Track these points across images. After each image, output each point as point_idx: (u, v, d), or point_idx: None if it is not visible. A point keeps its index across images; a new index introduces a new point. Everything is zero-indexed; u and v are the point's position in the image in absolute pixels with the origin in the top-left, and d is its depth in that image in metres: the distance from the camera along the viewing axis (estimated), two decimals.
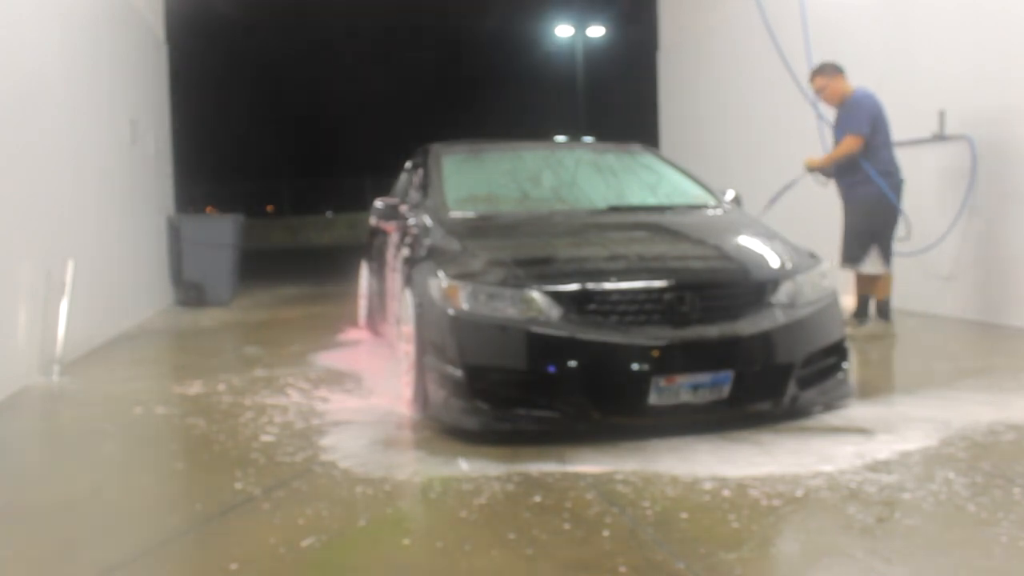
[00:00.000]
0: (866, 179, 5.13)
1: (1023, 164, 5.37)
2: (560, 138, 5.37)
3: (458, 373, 3.26)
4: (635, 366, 3.16)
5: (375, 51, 36.89)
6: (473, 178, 4.51)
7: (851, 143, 5.13)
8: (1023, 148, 5.36)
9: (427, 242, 3.93)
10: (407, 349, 3.76)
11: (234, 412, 3.83)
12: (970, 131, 5.66)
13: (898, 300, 6.43)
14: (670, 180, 4.58)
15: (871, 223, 5.21)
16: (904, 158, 6.37)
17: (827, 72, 5.28)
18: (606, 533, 2.37)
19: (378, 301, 5.38)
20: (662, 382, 3.15)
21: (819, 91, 5.32)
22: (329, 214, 23.82)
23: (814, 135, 6.90)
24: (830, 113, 5.63)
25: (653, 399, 3.17)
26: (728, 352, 3.24)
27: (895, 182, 5.18)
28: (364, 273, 6.03)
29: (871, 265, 5.24)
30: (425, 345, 3.45)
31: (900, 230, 5.34)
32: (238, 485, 2.84)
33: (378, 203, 4.71)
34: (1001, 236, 5.50)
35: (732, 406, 3.26)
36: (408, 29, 33.80)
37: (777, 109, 7.47)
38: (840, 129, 5.25)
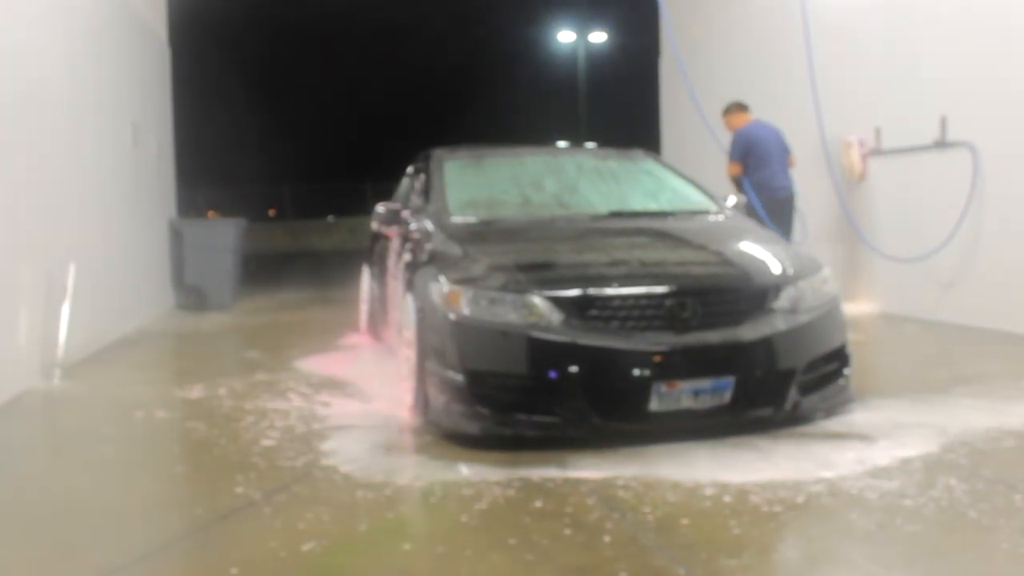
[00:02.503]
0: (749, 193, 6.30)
1: None
2: (562, 144, 5.38)
3: (459, 378, 3.26)
4: (636, 372, 3.15)
5: (377, 56, 36.96)
6: (475, 183, 4.51)
7: (729, 168, 6.59)
8: None
9: (428, 247, 3.93)
10: (408, 354, 3.75)
11: (235, 416, 3.82)
12: (972, 138, 5.66)
13: (899, 307, 6.44)
14: (672, 186, 4.58)
15: None
16: (905, 165, 6.39)
17: (729, 111, 6.78)
18: (607, 539, 2.36)
19: (379, 306, 5.38)
20: (663, 388, 3.15)
21: (726, 126, 6.80)
22: (331, 218, 23.82)
23: (815, 142, 6.92)
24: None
25: (654, 405, 3.16)
26: (730, 358, 3.24)
27: (771, 196, 6.33)
28: (365, 278, 6.03)
29: None
30: (426, 350, 3.45)
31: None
32: (239, 489, 2.83)
33: (380, 208, 4.71)
34: (1002, 243, 5.50)
35: (733, 412, 3.26)
36: (411, 34, 33.88)
37: (778, 116, 7.47)
38: (729, 156, 6.67)
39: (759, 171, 6.44)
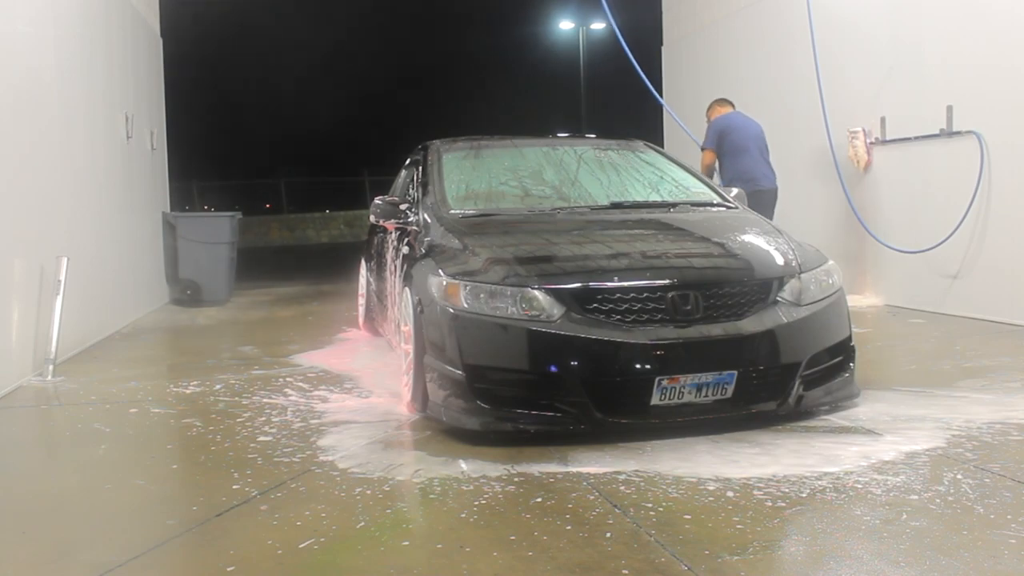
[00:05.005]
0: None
1: None
2: (562, 134, 5.33)
3: (458, 373, 3.22)
4: (638, 366, 3.12)
5: (374, 47, 36.83)
6: (473, 175, 4.47)
7: (703, 156, 6.49)
8: None
9: (427, 240, 3.89)
10: (406, 348, 3.72)
11: (231, 412, 3.79)
12: (979, 126, 5.60)
13: (904, 299, 6.41)
14: (674, 177, 4.54)
15: None
16: (911, 155, 6.34)
17: (710, 106, 6.73)
18: (608, 535, 2.33)
19: (377, 300, 5.34)
20: (665, 382, 3.12)
21: (708, 120, 6.66)
22: (328, 212, 23.75)
23: (819, 132, 6.87)
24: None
25: (656, 399, 3.13)
26: (732, 351, 3.20)
27: (751, 188, 6.04)
28: (363, 272, 6.00)
29: None
30: (425, 344, 3.41)
31: None
32: (235, 486, 2.80)
33: (378, 201, 4.66)
34: (1009, 233, 5.45)
35: (736, 406, 3.23)
36: (408, 25, 33.77)
37: (781, 104, 7.43)
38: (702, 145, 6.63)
39: (736, 161, 6.25)
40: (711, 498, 2.57)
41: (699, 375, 3.14)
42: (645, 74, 7.58)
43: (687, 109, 8.55)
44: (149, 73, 8.18)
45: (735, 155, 6.28)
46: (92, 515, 2.68)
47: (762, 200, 6.20)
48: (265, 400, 4.00)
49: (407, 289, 3.77)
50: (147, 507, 2.77)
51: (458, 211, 4.04)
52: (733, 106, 6.66)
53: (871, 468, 2.80)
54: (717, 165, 6.44)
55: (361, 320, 6.07)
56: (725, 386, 3.18)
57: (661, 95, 10.28)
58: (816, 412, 3.44)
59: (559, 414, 3.15)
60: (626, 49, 7.26)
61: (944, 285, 5.96)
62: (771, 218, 6.14)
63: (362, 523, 2.48)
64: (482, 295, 3.26)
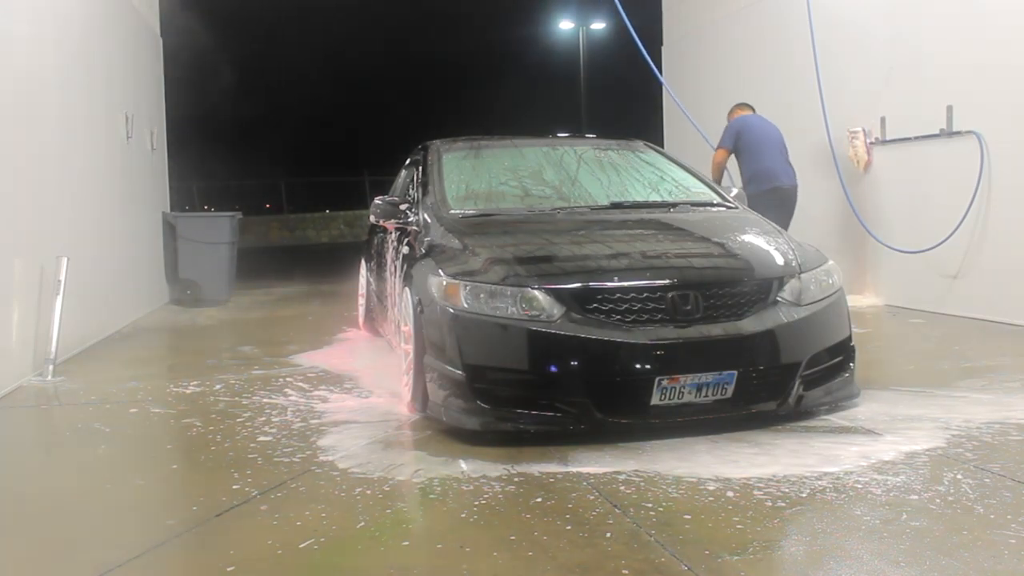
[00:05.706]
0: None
1: None
2: (562, 134, 5.33)
3: (458, 373, 3.22)
4: (638, 366, 3.12)
5: (374, 47, 36.84)
6: (473, 175, 4.47)
7: (715, 155, 6.49)
8: None
9: (427, 240, 3.89)
10: (406, 348, 3.72)
11: (231, 412, 3.79)
12: (979, 126, 5.60)
13: (905, 299, 6.41)
14: (674, 177, 4.54)
15: None
16: (911, 155, 6.34)
17: (732, 109, 6.75)
18: (608, 535, 2.34)
19: (377, 300, 5.34)
20: (665, 382, 3.12)
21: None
22: (328, 212, 23.75)
23: (820, 132, 6.87)
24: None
25: (656, 399, 3.14)
26: (732, 351, 3.20)
27: (772, 187, 6.15)
28: (363, 272, 6.00)
29: None
30: (425, 344, 3.41)
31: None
32: (235, 486, 2.80)
33: (378, 201, 4.66)
34: (1010, 233, 5.45)
35: (736, 406, 3.23)
36: (408, 25, 33.78)
37: (781, 104, 7.43)
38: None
39: (756, 158, 6.28)
40: (711, 498, 2.57)
41: (699, 375, 3.14)
42: (645, 74, 7.60)
43: (687, 108, 8.54)
44: (149, 73, 8.18)
45: (753, 153, 6.29)
46: (92, 515, 2.68)
47: (783, 197, 6.19)
48: (265, 400, 4.00)
49: (407, 289, 3.77)
50: (147, 507, 2.77)
51: (458, 211, 4.04)
52: (753, 110, 6.71)
53: (871, 468, 2.80)
54: (728, 166, 6.46)
55: (361, 320, 6.07)
56: (725, 386, 3.18)
57: (662, 95, 10.29)
58: (816, 412, 3.44)
59: (559, 414, 3.16)
60: (639, 45, 7.24)
61: (944, 285, 5.96)
62: (791, 216, 6.19)
63: (362, 523, 2.48)
64: (482, 295, 3.26)
